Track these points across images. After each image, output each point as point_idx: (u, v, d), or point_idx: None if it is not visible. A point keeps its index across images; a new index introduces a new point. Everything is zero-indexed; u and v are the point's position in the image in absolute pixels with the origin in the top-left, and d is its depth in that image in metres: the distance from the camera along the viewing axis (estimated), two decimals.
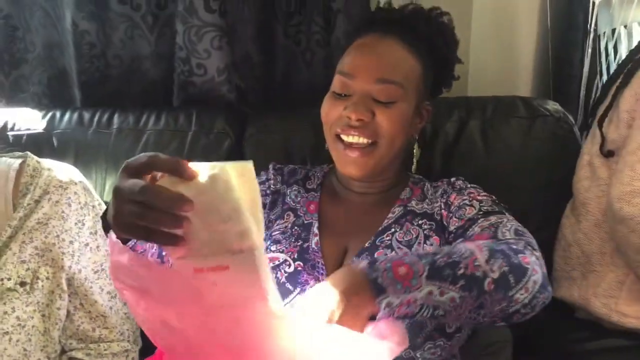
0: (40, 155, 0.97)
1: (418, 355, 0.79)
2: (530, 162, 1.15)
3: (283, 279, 0.84)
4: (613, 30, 1.30)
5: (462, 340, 0.86)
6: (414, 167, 1.04)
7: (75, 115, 1.32)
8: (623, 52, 1.27)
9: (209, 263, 0.53)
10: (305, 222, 0.93)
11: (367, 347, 0.58)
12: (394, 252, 0.85)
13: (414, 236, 0.88)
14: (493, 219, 0.81)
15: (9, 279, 0.85)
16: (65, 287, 0.90)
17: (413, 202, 0.94)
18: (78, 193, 0.93)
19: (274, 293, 0.55)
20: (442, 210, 0.91)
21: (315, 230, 0.91)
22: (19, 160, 0.93)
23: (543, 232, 1.12)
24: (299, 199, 0.98)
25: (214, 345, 0.56)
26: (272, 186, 1.01)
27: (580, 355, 1.03)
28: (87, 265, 0.93)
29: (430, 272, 0.64)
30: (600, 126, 1.03)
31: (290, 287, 0.84)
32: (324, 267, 0.86)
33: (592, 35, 1.27)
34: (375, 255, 0.85)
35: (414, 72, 0.92)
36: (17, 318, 0.85)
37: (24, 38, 1.45)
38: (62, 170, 0.94)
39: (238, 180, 0.53)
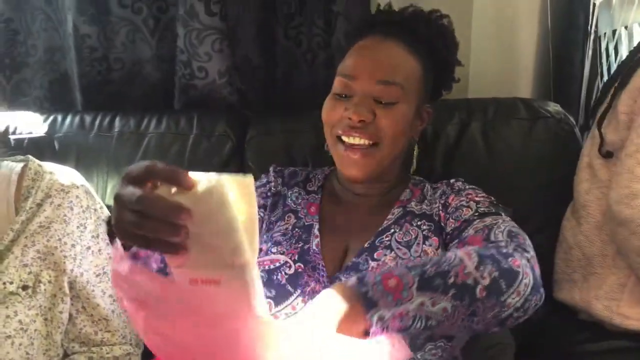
0: (41, 158, 0.97)
1: (419, 356, 0.79)
2: (531, 164, 1.15)
3: (284, 281, 0.84)
4: (614, 31, 1.29)
5: (462, 341, 0.86)
6: (413, 167, 1.04)
7: (77, 119, 1.33)
8: (623, 53, 1.27)
9: (202, 275, 0.53)
10: (306, 223, 0.93)
11: (367, 353, 0.58)
12: (393, 253, 0.85)
13: (413, 237, 0.88)
14: (488, 220, 0.81)
15: (11, 283, 0.85)
16: (67, 290, 0.90)
17: (412, 203, 0.94)
18: (80, 196, 0.93)
19: (264, 310, 0.55)
20: (441, 212, 0.91)
21: (316, 231, 0.91)
22: (21, 164, 0.93)
23: (544, 232, 1.12)
24: (299, 200, 0.98)
25: (208, 357, 0.56)
26: (272, 188, 1.02)
27: (582, 356, 1.03)
28: (89, 268, 0.93)
29: (421, 283, 0.64)
30: (599, 127, 1.03)
31: (291, 289, 0.84)
32: (324, 269, 0.86)
33: (592, 36, 1.27)
34: (375, 255, 0.85)
35: (415, 73, 0.92)
36: (20, 322, 0.85)
37: (26, 42, 1.46)
38: (64, 173, 0.95)
39: (236, 194, 0.52)
